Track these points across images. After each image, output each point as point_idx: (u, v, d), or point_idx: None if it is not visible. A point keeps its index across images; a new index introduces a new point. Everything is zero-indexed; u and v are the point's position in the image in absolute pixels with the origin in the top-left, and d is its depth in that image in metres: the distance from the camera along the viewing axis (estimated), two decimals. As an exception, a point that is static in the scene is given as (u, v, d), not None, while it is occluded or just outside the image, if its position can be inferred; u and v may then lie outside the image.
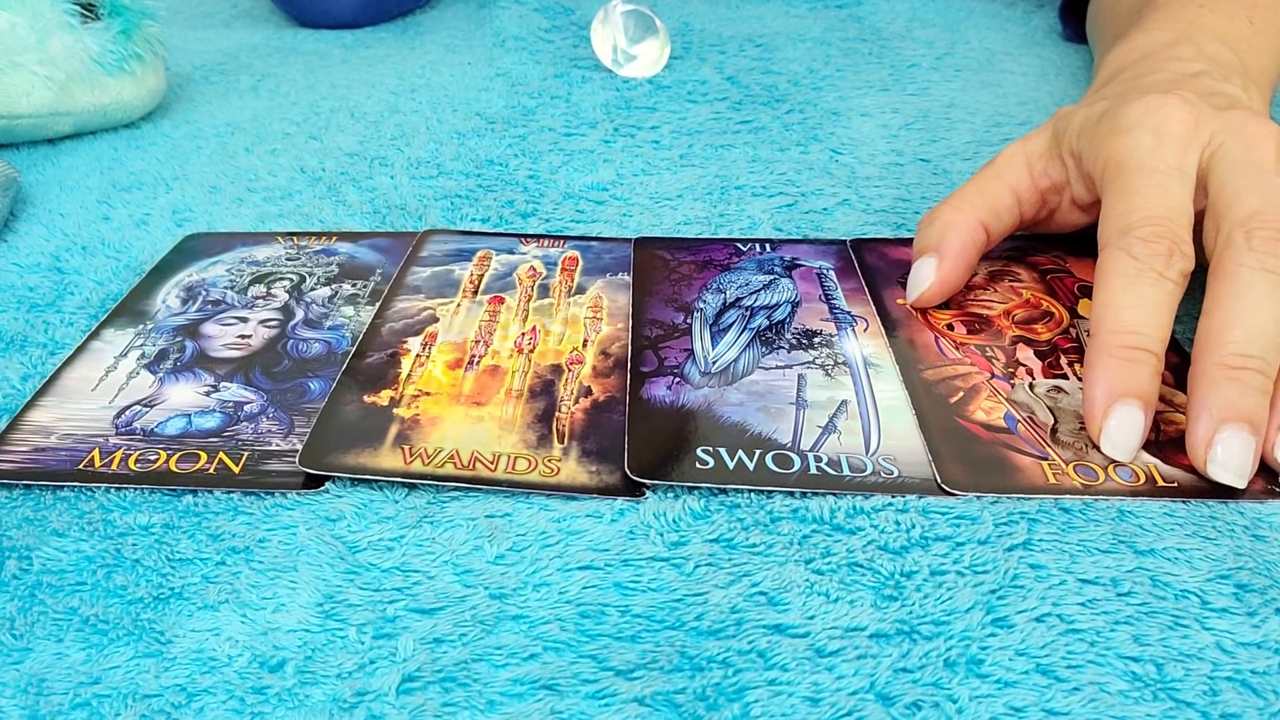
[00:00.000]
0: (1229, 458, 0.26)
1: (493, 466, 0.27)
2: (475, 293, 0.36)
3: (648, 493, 0.27)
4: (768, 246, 0.39)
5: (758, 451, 0.27)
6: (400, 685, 0.21)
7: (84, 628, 0.23)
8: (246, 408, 0.30)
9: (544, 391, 0.30)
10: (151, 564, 0.25)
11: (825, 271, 0.37)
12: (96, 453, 0.28)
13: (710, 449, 0.28)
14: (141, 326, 0.35)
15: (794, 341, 0.33)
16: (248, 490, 0.27)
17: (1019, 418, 0.29)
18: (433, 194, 0.44)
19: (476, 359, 0.32)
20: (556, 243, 0.40)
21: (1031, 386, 0.30)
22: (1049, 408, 0.29)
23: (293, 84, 0.59)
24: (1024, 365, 0.31)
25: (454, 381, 0.31)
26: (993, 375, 0.31)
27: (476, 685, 0.21)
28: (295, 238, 0.41)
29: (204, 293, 0.37)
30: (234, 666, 0.22)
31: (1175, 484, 0.26)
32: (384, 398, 0.30)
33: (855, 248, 0.39)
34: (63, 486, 0.27)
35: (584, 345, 0.33)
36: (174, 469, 0.28)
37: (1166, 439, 0.28)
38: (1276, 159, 0.30)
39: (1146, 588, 0.23)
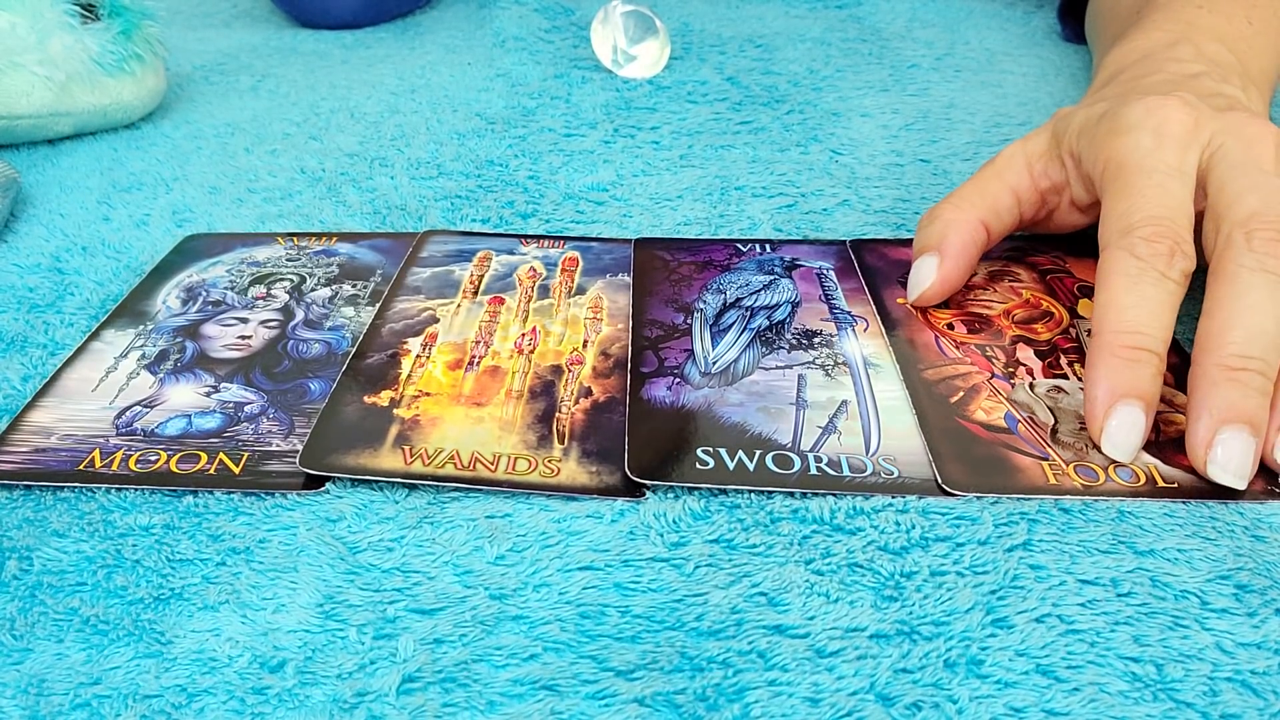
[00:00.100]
0: (1229, 459, 0.26)
1: (493, 467, 0.27)
2: (475, 293, 0.36)
3: (648, 493, 0.27)
4: (768, 247, 0.39)
5: (758, 452, 0.27)
6: (400, 686, 0.21)
7: (84, 628, 0.23)
8: (247, 408, 0.30)
9: (544, 392, 0.31)
10: (152, 564, 0.25)
11: (825, 272, 0.37)
12: (97, 453, 0.28)
13: (710, 449, 0.28)
14: (142, 327, 0.35)
15: (794, 342, 0.33)
16: (248, 491, 0.27)
17: (1019, 418, 0.29)
18: (433, 194, 0.44)
19: (477, 359, 0.32)
20: (556, 243, 0.40)
21: (1032, 386, 0.30)
22: (1049, 408, 0.29)
23: (293, 84, 0.59)
24: (1024, 365, 0.31)
25: (454, 382, 0.31)
26: (993, 375, 0.31)
27: (477, 686, 0.21)
28: (295, 238, 0.41)
29: (204, 293, 0.37)
30: (234, 667, 0.22)
31: (1175, 484, 0.26)
32: (384, 398, 0.30)
33: (855, 248, 0.39)
34: (63, 487, 0.27)
35: (584, 346, 0.33)
36: (174, 470, 0.28)
37: (1166, 439, 0.28)
38: (1276, 160, 0.30)
39: (1146, 588, 0.23)
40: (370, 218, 0.43)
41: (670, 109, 0.54)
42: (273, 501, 0.27)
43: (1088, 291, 0.35)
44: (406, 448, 0.28)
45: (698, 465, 0.27)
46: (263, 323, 0.35)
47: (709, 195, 0.44)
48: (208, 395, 0.31)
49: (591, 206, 0.43)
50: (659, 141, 0.50)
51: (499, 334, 0.34)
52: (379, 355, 0.32)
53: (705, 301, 0.35)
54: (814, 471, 0.27)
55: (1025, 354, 0.32)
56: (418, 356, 0.32)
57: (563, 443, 0.28)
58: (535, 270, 0.38)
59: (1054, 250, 0.38)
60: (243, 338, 0.34)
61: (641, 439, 0.28)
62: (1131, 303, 0.28)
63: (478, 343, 0.33)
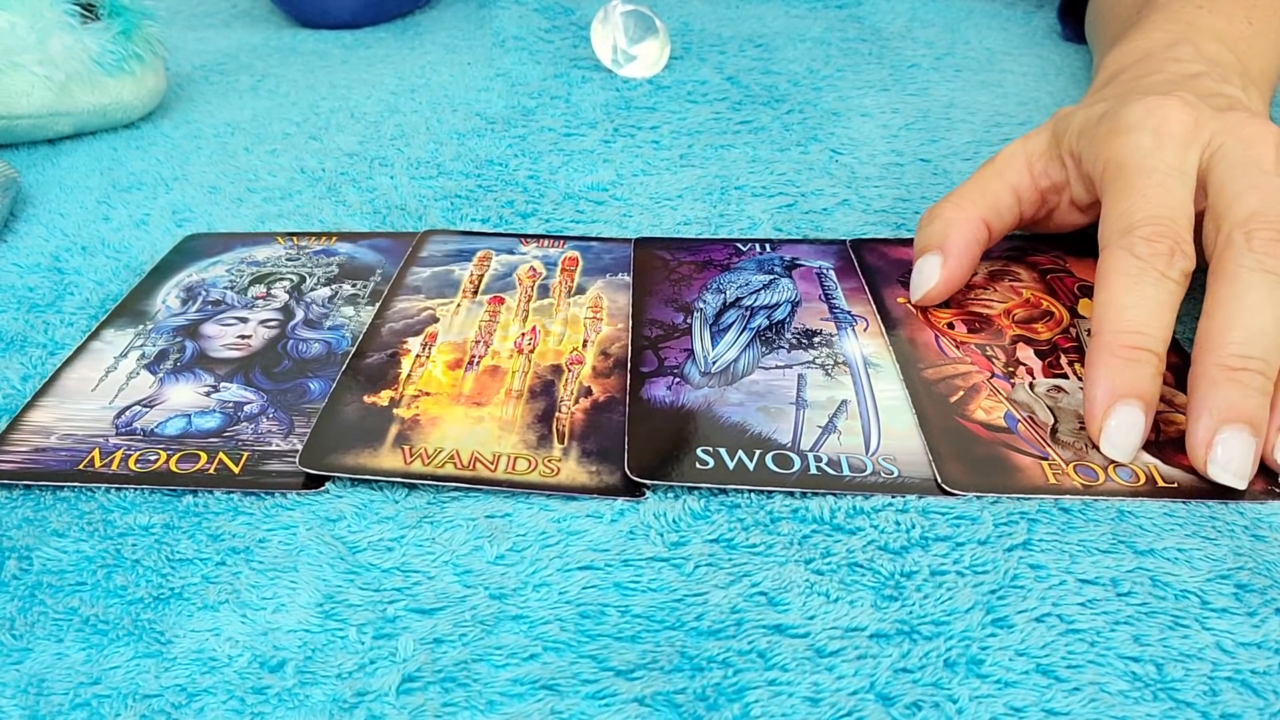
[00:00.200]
0: (1229, 459, 0.26)
1: (493, 467, 0.27)
2: (475, 293, 0.36)
3: (648, 493, 0.27)
4: (768, 246, 0.39)
5: (758, 451, 0.27)
6: (400, 685, 0.21)
7: (84, 628, 0.23)
8: (246, 408, 0.30)
9: (544, 392, 0.30)
10: (151, 564, 0.25)
11: (825, 271, 0.37)
12: (96, 453, 0.28)
13: (710, 449, 0.28)
14: (141, 327, 0.35)
15: (794, 341, 0.33)
16: (248, 490, 0.27)
17: (1019, 417, 0.29)
18: (433, 194, 0.44)
19: (476, 359, 0.32)
20: (556, 243, 0.40)
21: (1032, 386, 0.30)
22: (1049, 407, 0.29)
23: (293, 84, 0.59)
24: (1024, 364, 0.31)
25: (454, 382, 0.31)
26: (993, 374, 0.31)
27: (476, 685, 0.21)
28: (295, 238, 0.41)
29: (204, 293, 0.37)
30: (234, 667, 0.22)
31: (1175, 484, 0.26)
32: (384, 398, 0.30)
33: (855, 248, 0.39)
34: (63, 487, 0.27)
35: (584, 345, 0.33)
36: (174, 469, 0.28)
37: (1166, 439, 0.28)
38: (1276, 160, 0.30)
39: (1146, 588, 0.23)
40: (370, 217, 0.43)
41: (670, 109, 0.54)
42: (272, 501, 0.27)
43: (1088, 291, 0.35)
44: (406, 447, 0.28)
45: (697, 465, 0.27)
46: (262, 322, 0.35)
47: (709, 195, 0.44)
48: (207, 395, 0.31)
49: (591, 206, 0.43)
50: (659, 141, 0.50)
51: (499, 334, 0.34)
52: (379, 355, 0.32)
53: (705, 301, 0.35)
54: (814, 471, 0.27)
55: (1025, 353, 0.32)
56: (417, 356, 0.32)
57: (562, 442, 0.28)
58: (535, 270, 0.38)
59: (1054, 250, 0.38)
60: (242, 337, 0.34)
61: (641, 439, 0.28)
62: (1131, 302, 0.28)
63: (478, 342, 0.33)
